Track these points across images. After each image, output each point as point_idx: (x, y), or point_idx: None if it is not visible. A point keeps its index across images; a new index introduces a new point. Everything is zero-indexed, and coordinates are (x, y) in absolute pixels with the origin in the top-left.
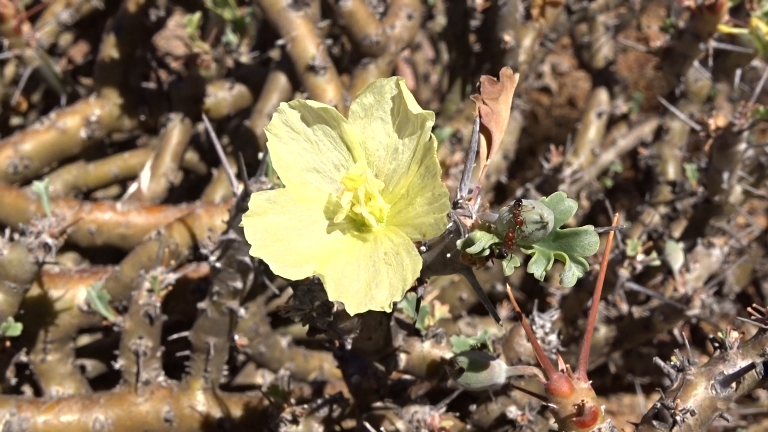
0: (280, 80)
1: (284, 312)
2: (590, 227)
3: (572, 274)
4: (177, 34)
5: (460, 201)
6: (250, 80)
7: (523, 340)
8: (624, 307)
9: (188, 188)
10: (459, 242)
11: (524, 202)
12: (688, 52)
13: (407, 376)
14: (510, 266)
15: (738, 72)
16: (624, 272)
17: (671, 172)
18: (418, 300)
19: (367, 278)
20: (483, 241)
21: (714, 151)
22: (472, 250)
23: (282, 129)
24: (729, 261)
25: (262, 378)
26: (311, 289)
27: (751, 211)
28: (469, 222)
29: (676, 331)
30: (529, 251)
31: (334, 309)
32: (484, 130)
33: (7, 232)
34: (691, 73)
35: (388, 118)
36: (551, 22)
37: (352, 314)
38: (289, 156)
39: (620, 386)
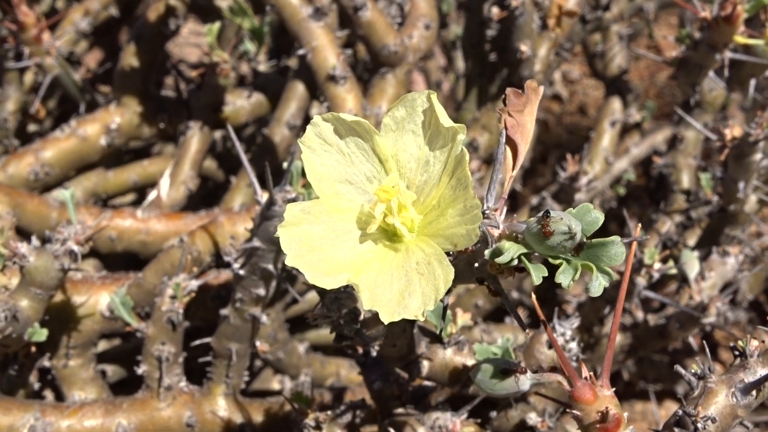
0: (298, 89)
1: (312, 319)
2: (617, 238)
3: (599, 284)
4: (190, 41)
5: (487, 211)
6: (268, 89)
7: (544, 348)
8: (639, 315)
9: (206, 196)
10: (487, 252)
11: (552, 213)
12: (704, 63)
13: (428, 383)
14: (538, 275)
15: (753, 82)
16: (641, 280)
17: (685, 180)
18: (444, 308)
19: (400, 288)
20: (512, 251)
21: (730, 161)
22: (501, 259)
23: (315, 141)
24: (743, 269)
25: (280, 384)
26: (338, 297)
27: (764, 219)
28: (496, 232)
29: (691, 339)
30: (556, 261)
31: (361, 317)
32: (510, 142)
33: (34, 239)
34: (705, 82)
35: (420, 131)
36: (566, 32)
37: (386, 323)
38: (322, 168)
39: (632, 393)
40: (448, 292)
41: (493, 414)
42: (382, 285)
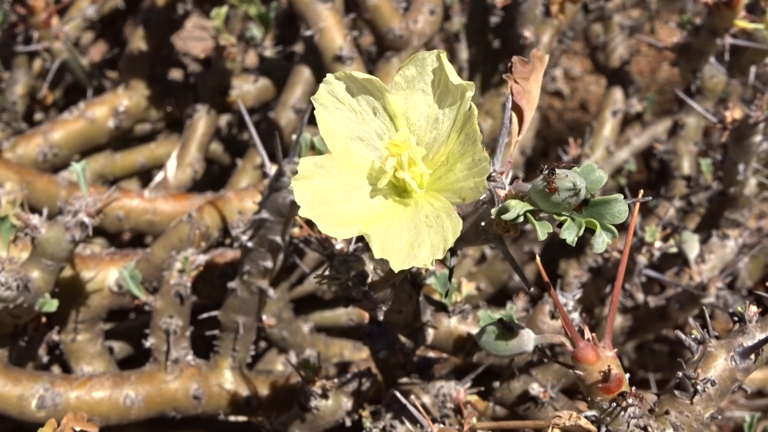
0: (304, 73)
1: (321, 280)
2: (620, 196)
3: (602, 240)
4: (194, 35)
5: (494, 174)
6: (274, 74)
7: (547, 318)
8: (640, 297)
9: (212, 180)
10: (494, 210)
11: (557, 170)
12: (705, 48)
13: (432, 355)
14: (543, 231)
15: (753, 69)
16: (642, 259)
17: (686, 166)
18: (450, 270)
19: (409, 239)
20: (518, 208)
21: (730, 143)
22: (507, 216)
23: (328, 99)
24: (743, 252)
25: (284, 366)
26: (347, 259)
27: (764, 201)
28: (502, 193)
29: (691, 320)
30: (561, 218)
31: (369, 279)
32: (516, 108)
33: (45, 211)
34: (706, 69)
35: (429, 90)
36: (569, 19)
37: (396, 270)
38: (335, 125)
39: (633, 381)
40: (454, 254)
41: (496, 384)
42: (392, 237)
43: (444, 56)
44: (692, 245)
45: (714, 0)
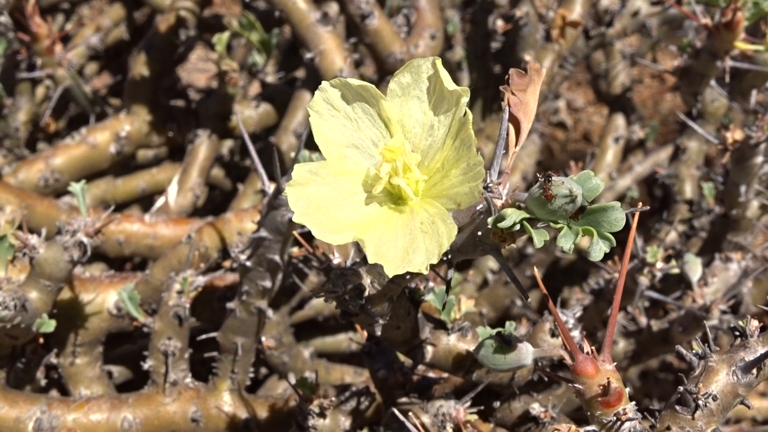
0: (306, 98)
1: (317, 294)
2: (617, 203)
3: (599, 248)
4: (198, 67)
5: (491, 185)
6: (276, 99)
7: (547, 336)
8: (643, 321)
9: (213, 207)
10: (490, 219)
11: (554, 178)
12: (706, 71)
13: (432, 375)
14: (540, 239)
15: (754, 92)
16: (644, 280)
17: (688, 191)
18: (448, 282)
19: (404, 244)
20: (514, 216)
21: (731, 165)
22: (503, 224)
23: (323, 106)
24: (747, 275)
25: (284, 391)
26: (344, 273)
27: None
28: (499, 203)
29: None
30: (557, 226)
31: (366, 293)
32: (513, 120)
33: (44, 231)
34: (707, 93)
35: (425, 97)
36: (570, 44)
37: (390, 276)
38: (330, 132)
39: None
40: (450, 265)
41: (497, 405)
42: (387, 242)
43: (439, 63)
44: (695, 267)
45: (714, 22)
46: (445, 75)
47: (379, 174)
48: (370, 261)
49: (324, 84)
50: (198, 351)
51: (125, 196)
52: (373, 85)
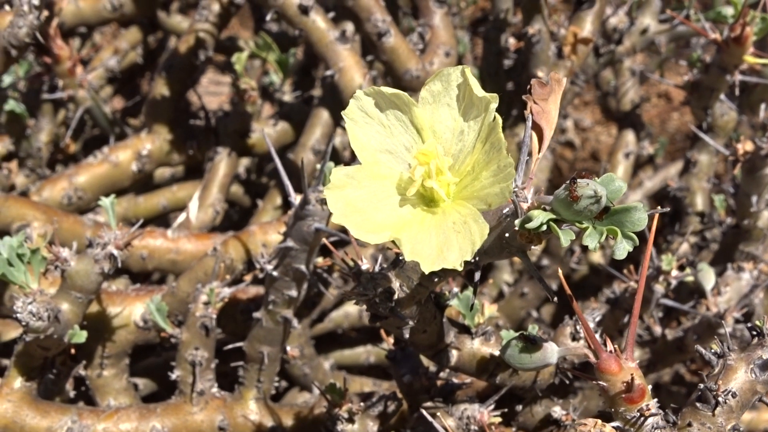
0: (323, 115)
1: (349, 297)
2: (639, 204)
3: (623, 247)
4: (210, 90)
5: (516, 189)
6: (293, 117)
7: (568, 340)
8: (657, 330)
9: (232, 224)
10: (517, 221)
11: (579, 180)
12: (715, 85)
13: (456, 380)
14: (566, 239)
15: (763, 106)
16: (659, 287)
17: (700, 203)
18: (475, 285)
19: (438, 243)
20: (541, 217)
21: (742, 176)
22: (531, 225)
23: (358, 114)
24: (759, 284)
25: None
26: (374, 277)
27: None
28: (525, 205)
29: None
30: (583, 226)
31: (395, 296)
32: (536, 127)
33: (75, 245)
34: (717, 107)
35: (454, 104)
36: (581, 61)
37: (426, 272)
38: (364, 138)
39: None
40: (477, 268)
41: (519, 408)
42: (422, 242)
43: (468, 71)
44: (708, 276)
45: (723, 37)
46: (474, 82)
47: (412, 177)
48: (407, 259)
49: (358, 92)
50: (222, 363)
51: (146, 213)
52: (405, 93)
